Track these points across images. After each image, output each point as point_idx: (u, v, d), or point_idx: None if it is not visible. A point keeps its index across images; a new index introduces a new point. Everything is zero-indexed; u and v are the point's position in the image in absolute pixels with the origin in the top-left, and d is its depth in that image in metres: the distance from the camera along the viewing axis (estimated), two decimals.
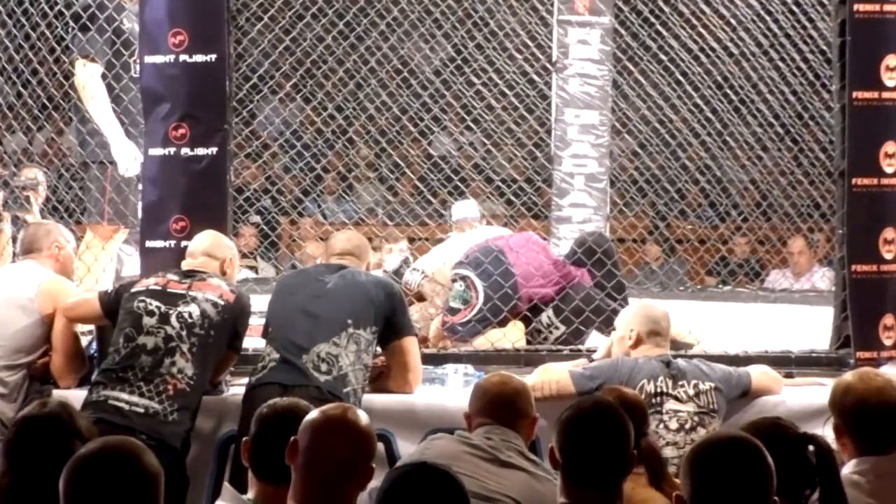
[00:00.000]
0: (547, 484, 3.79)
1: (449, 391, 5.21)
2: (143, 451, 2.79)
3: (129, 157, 6.06)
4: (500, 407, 4.02)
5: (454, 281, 6.04)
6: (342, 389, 4.76)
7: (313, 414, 3.17)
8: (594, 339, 5.99)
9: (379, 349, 5.04)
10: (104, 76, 6.12)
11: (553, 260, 6.16)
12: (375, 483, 2.95)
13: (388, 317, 4.97)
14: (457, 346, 5.87)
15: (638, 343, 4.94)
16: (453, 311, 5.98)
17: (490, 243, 6.17)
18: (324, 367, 4.79)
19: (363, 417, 3.16)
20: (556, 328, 5.99)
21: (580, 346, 5.76)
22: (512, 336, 5.92)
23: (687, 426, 4.72)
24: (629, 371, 4.76)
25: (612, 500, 3.10)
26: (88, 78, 6.13)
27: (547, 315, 5.99)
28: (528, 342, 5.97)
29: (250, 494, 3.30)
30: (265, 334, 5.01)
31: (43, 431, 3.20)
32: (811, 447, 3.16)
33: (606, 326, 5.64)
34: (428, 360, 5.33)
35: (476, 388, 4.14)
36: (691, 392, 4.79)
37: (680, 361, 4.89)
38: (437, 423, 4.85)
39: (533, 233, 6.62)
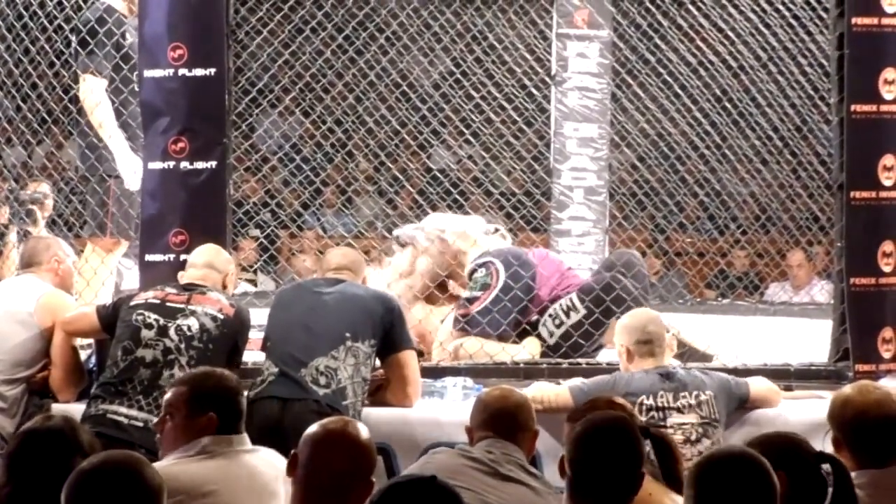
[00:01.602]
0: (548, 498, 3.79)
1: (448, 404, 5.20)
2: (144, 466, 2.79)
3: (131, 171, 6.07)
4: (502, 420, 4.02)
5: (474, 272, 5.95)
6: (341, 402, 4.77)
7: (313, 427, 3.17)
8: (603, 354, 5.95)
9: (378, 362, 5.04)
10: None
11: (557, 271, 6.10)
12: None
13: (387, 330, 4.98)
14: (457, 355, 5.81)
15: (630, 357, 4.94)
16: (471, 301, 5.87)
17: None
18: (322, 380, 4.80)
19: (363, 431, 3.16)
20: (576, 311, 5.84)
21: (580, 361, 5.72)
22: (531, 348, 5.85)
23: (692, 438, 4.73)
24: (625, 386, 4.76)
25: None
26: (90, 92, 6.14)
27: (570, 298, 5.82)
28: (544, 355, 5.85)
29: None
30: (264, 348, 5.01)
31: (45, 445, 3.20)
32: (828, 466, 3.15)
33: None
34: (427, 373, 5.32)
35: (477, 402, 4.14)
36: (693, 402, 4.79)
37: (680, 371, 4.89)
38: (435, 437, 4.85)
39: (537, 248, 6.58)
